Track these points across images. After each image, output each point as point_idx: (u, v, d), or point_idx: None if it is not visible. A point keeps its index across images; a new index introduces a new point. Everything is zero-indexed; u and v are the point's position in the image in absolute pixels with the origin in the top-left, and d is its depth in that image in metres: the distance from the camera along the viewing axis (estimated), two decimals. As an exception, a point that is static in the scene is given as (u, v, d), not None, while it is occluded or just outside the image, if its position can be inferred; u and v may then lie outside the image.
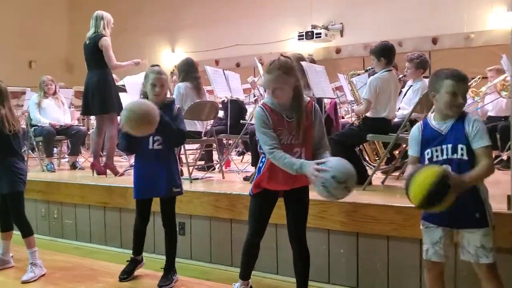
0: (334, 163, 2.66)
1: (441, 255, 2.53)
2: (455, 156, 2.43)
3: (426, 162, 2.51)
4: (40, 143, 6.73)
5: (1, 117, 3.71)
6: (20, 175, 3.84)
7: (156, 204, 3.72)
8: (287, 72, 2.76)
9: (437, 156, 2.47)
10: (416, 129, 2.59)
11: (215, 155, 6.34)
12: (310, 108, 2.89)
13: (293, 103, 2.84)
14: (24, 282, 3.74)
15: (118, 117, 5.74)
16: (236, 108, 6.08)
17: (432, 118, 2.55)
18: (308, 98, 2.96)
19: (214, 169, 5.76)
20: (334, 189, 2.59)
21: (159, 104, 3.49)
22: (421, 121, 2.62)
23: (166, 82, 3.61)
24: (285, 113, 2.85)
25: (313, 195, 3.84)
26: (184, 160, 5.10)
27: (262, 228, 3.06)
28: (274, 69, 2.76)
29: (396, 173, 5.00)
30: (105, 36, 5.51)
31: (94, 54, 5.50)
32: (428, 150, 2.50)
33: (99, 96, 5.47)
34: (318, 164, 2.65)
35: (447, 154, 2.45)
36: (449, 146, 2.44)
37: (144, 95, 3.58)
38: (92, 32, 5.57)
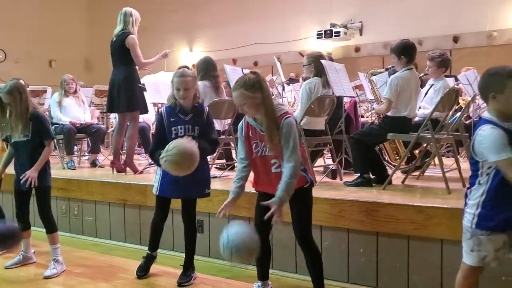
0: (233, 231, 2.76)
1: (501, 260, 2.39)
2: None
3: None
4: (61, 141, 6.81)
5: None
6: (48, 170, 3.95)
7: (175, 202, 3.74)
8: (249, 88, 2.85)
9: None
10: (495, 131, 2.29)
11: (233, 154, 6.35)
12: (280, 120, 2.89)
13: (262, 118, 2.91)
14: (46, 278, 3.80)
15: (141, 116, 5.79)
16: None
17: (497, 121, 2.34)
18: (283, 111, 2.95)
19: (234, 167, 5.75)
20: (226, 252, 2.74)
21: (190, 109, 3.51)
22: (490, 124, 2.33)
23: (192, 84, 3.51)
24: (258, 127, 2.96)
25: (331, 194, 3.84)
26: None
27: (262, 227, 3.05)
28: (237, 87, 2.89)
29: (416, 173, 4.94)
30: (132, 34, 5.51)
31: (120, 52, 5.47)
32: None
33: (126, 93, 5.44)
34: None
35: None
36: None
37: (171, 99, 3.57)
38: (120, 29, 5.51)
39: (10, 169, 5.78)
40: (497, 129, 2.30)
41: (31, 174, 3.78)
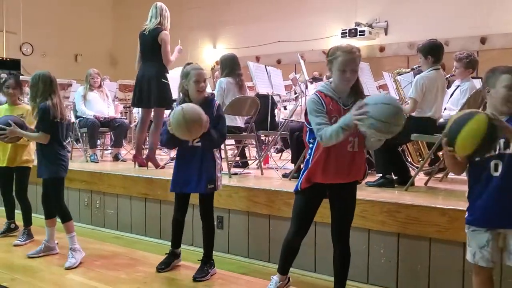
0: (371, 107, 2.51)
1: (489, 260, 2.44)
2: (507, 151, 2.38)
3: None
4: (84, 135, 6.91)
5: (54, 105, 3.89)
6: (62, 162, 4.00)
7: (195, 198, 3.76)
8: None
9: None
10: None
11: (247, 152, 6.35)
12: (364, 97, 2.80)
13: (351, 91, 2.83)
14: (67, 269, 3.85)
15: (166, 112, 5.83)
16: (266, 104, 6.00)
17: None
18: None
19: (248, 165, 5.74)
20: (382, 128, 2.51)
21: (200, 101, 3.53)
22: None
23: (205, 77, 3.61)
24: (341, 101, 2.81)
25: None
26: (223, 155, 5.11)
27: (306, 227, 3.00)
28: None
29: (440, 175, 4.87)
30: (165, 30, 5.54)
31: (153, 47, 5.49)
32: None
33: (158, 89, 5.46)
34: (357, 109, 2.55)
35: (499, 149, 2.39)
36: (501, 141, 2.38)
37: (184, 93, 3.60)
38: (155, 23, 5.50)
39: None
40: None
41: (11, 130, 3.96)
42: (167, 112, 6.59)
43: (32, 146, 4.64)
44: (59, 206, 4.02)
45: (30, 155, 4.67)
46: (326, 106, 2.77)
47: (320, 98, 2.80)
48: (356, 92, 2.84)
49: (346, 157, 2.80)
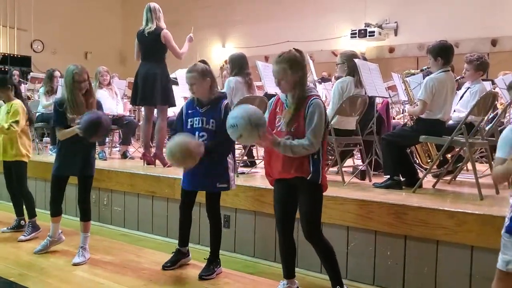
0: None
1: None
2: None
3: None
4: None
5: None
6: (94, 161, 4.11)
7: (202, 196, 3.76)
8: (293, 66, 2.92)
9: None
10: (509, 132, 2.41)
11: (254, 151, 6.34)
12: (307, 101, 2.93)
13: (292, 95, 2.96)
14: (75, 265, 3.89)
15: (171, 109, 5.85)
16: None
17: None
18: (313, 93, 2.97)
19: (255, 165, 5.74)
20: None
21: (206, 101, 3.56)
22: None
23: (198, 78, 3.53)
24: (286, 103, 3.00)
25: (359, 195, 3.80)
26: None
27: (282, 220, 3.11)
28: (280, 61, 2.96)
29: (448, 177, 4.84)
30: (164, 28, 5.58)
31: (155, 47, 5.53)
32: None
33: (161, 87, 5.50)
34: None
35: None
36: None
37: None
38: (153, 26, 5.54)
39: (41, 157, 5.94)
40: None
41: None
42: (175, 109, 6.63)
43: (28, 140, 4.68)
44: (86, 204, 4.07)
45: (26, 149, 4.67)
46: (273, 107, 3.08)
47: (274, 99, 3.13)
48: (294, 96, 2.96)
49: (280, 155, 2.96)
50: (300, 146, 2.85)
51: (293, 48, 2.99)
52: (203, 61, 3.66)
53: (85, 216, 4.06)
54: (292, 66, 2.91)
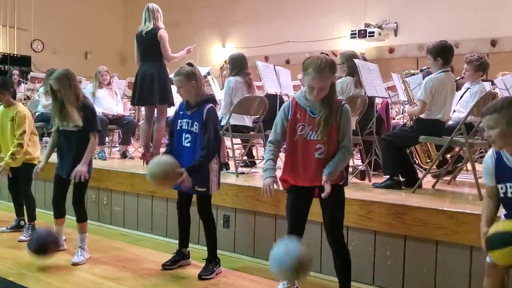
0: (275, 252, 2.72)
1: None
2: None
3: (502, 196, 2.41)
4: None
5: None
6: (91, 161, 4.06)
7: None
8: (331, 69, 2.84)
9: None
10: (489, 160, 2.44)
11: (254, 151, 6.34)
12: (338, 107, 2.89)
13: (322, 101, 2.86)
14: (74, 264, 3.89)
15: (168, 109, 5.85)
16: (274, 103, 5.98)
17: (507, 151, 2.38)
18: (340, 97, 2.97)
19: (255, 165, 5.74)
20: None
21: (194, 104, 3.58)
22: (493, 151, 2.44)
23: (184, 82, 3.52)
24: (309, 109, 2.89)
25: (359, 195, 3.80)
26: (231, 154, 5.12)
27: (295, 227, 3.02)
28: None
29: (448, 177, 4.84)
30: (162, 28, 5.59)
31: (153, 46, 5.55)
32: (502, 185, 2.39)
33: (159, 87, 5.51)
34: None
35: None
36: None
37: None
38: (150, 25, 5.58)
39: (42, 157, 5.90)
40: (491, 154, 2.42)
41: (81, 169, 3.81)
42: (170, 109, 6.64)
43: (37, 143, 4.69)
44: (81, 205, 4.04)
45: (35, 152, 4.68)
46: (293, 115, 2.91)
47: (291, 105, 2.94)
48: (326, 102, 2.87)
49: (312, 162, 2.89)
50: (346, 160, 2.89)
51: (323, 52, 2.98)
52: (190, 64, 3.64)
53: (81, 217, 4.03)
54: (331, 69, 2.84)
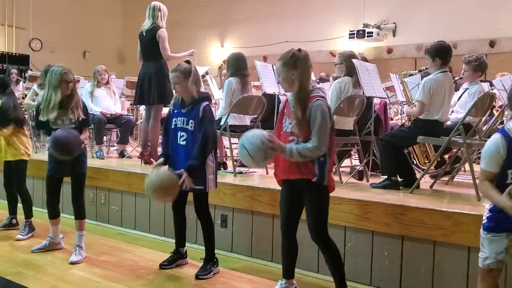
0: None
1: (501, 262, 2.43)
2: None
3: (510, 181, 2.36)
4: (91, 131, 6.91)
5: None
6: (86, 158, 4.10)
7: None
8: (287, 64, 2.94)
9: None
10: (497, 143, 2.35)
11: None
12: (305, 102, 2.91)
13: (295, 95, 2.94)
14: (72, 263, 3.88)
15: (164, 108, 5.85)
16: (272, 103, 5.97)
17: None
18: (317, 94, 2.93)
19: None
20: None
21: (188, 102, 3.58)
22: (500, 135, 2.36)
23: (180, 78, 3.54)
24: (291, 103, 2.99)
25: (357, 195, 3.80)
26: (229, 154, 5.12)
27: (287, 221, 3.11)
28: (278, 59, 3.03)
29: (445, 178, 4.84)
30: (162, 27, 5.59)
31: (152, 46, 5.56)
32: None
33: (157, 86, 5.52)
34: None
35: None
36: None
37: None
38: (150, 24, 5.60)
39: (39, 156, 5.94)
40: (501, 140, 2.33)
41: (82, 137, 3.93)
42: (165, 109, 6.64)
43: (26, 138, 4.67)
44: (80, 202, 4.05)
45: (27, 148, 4.67)
46: (282, 108, 3.10)
47: (283, 100, 3.16)
48: (297, 97, 2.93)
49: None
50: (306, 150, 2.84)
51: (299, 48, 2.99)
52: (188, 61, 3.65)
53: (80, 214, 4.04)
54: (286, 64, 2.93)
